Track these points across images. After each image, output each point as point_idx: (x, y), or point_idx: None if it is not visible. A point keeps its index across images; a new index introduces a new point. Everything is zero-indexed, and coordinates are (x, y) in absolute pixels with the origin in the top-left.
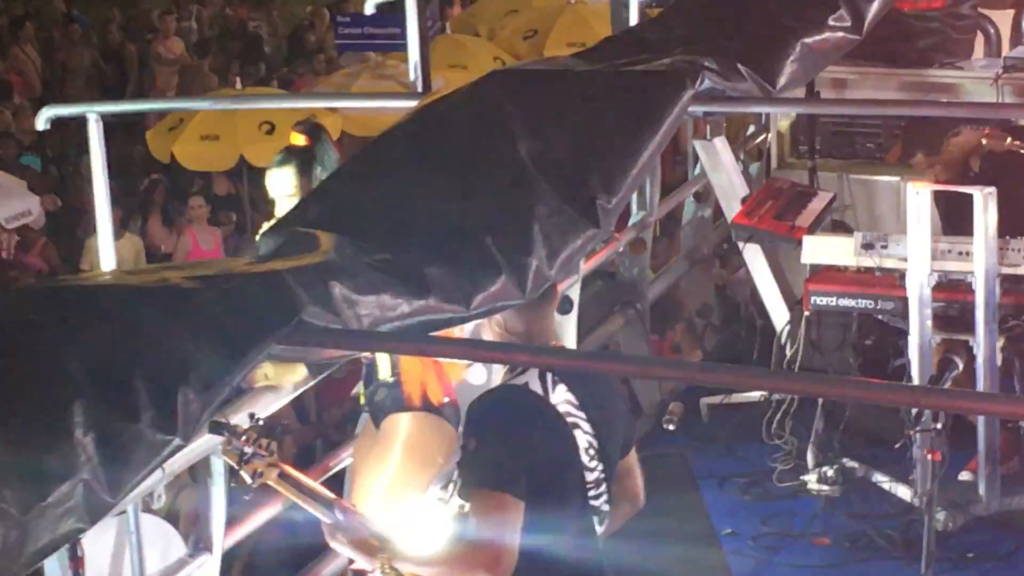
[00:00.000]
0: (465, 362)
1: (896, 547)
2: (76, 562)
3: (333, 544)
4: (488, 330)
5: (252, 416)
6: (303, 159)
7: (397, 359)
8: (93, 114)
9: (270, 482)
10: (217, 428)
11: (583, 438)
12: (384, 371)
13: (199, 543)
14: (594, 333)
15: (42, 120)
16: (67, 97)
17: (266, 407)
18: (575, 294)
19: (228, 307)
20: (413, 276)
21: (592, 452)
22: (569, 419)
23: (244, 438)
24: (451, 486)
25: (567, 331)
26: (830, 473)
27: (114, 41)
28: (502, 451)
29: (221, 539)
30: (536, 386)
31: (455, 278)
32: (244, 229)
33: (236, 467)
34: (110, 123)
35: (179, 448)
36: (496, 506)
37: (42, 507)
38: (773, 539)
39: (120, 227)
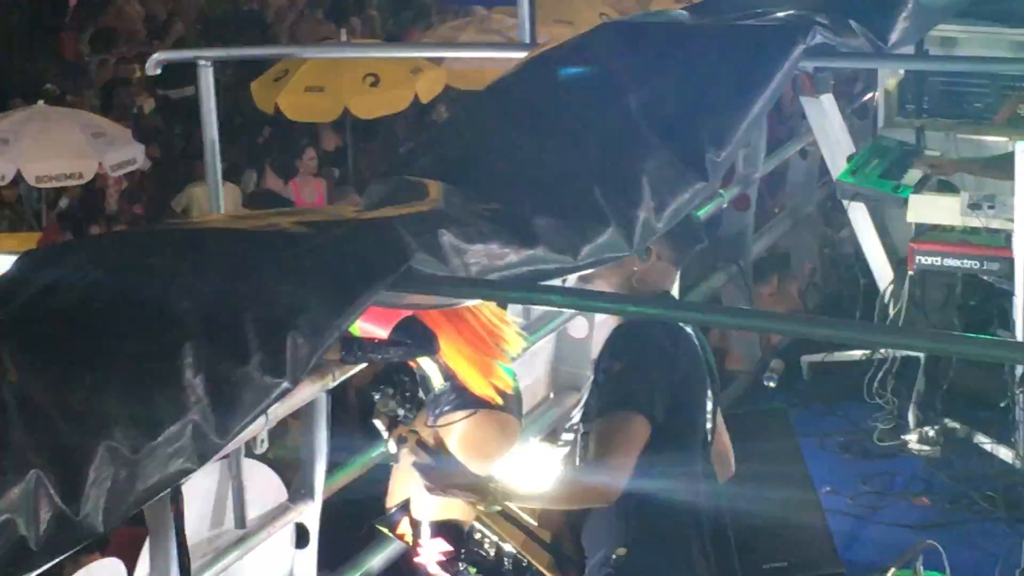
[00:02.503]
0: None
1: (997, 508)
2: (177, 504)
3: (444, 494)
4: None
5: (399, 378)
6: None
7: (445, 365)
8: (204, 60)
9: (407, 448)
10: (374, 387)
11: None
12: (436, 380)
13: (301, 489)
14: (696, 289)
15: (153, 65)
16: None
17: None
18: None
19: (337, 252)
20: (521, 226)
21: (709, 393)
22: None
23: (396, 399)
24: (566, 431)
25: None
26: (931, 433)
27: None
28: (645, 374)
29: (322, 486)
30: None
31: (563, 229)
32: (346, 181)
33: (386, 430)
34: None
35: (287, 391)
36: (630, 426)
37: (152, 447)
38: (873, 498)
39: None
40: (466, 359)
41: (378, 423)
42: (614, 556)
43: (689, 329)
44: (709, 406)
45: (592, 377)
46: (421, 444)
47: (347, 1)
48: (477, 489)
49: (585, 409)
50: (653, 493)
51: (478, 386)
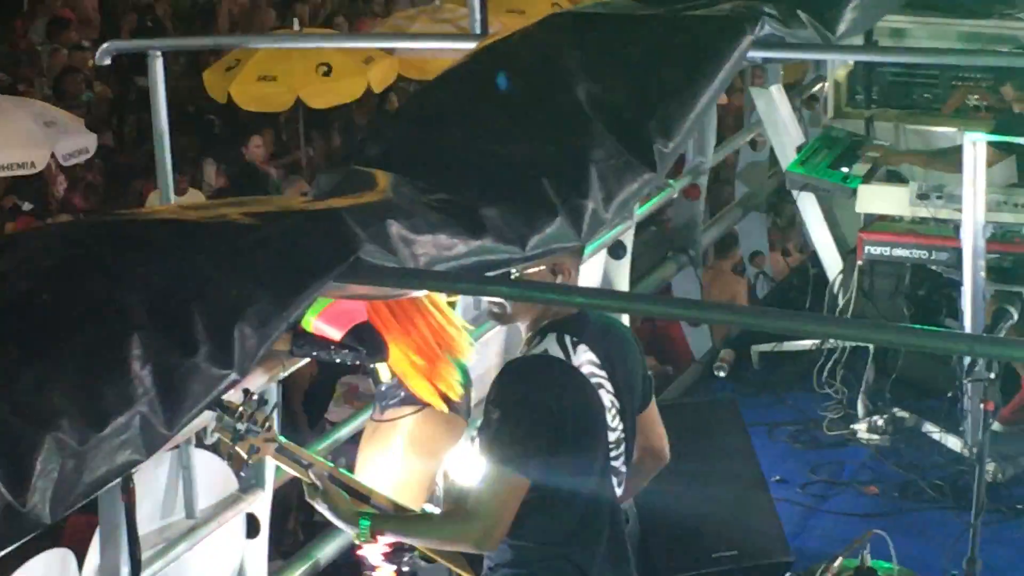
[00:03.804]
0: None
1: (945, 497)
2: (128, 494)
3: (316, 505)
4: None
5: (246, 392)
6: None
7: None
8: (155, 51)
9: (268, 456)
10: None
11: (606, 397)
12: (384, 374)
13: (251, 479)
14: (648, 279)
15: (103, 55)
16: (124, 36)
17: (254, 383)
18: (629, 239)
19: (285, 243)
20: (469, 216)
21: (614, 411)
22: (593, 380)
23: (238, 414)
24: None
25: (620, 276)
26: (880, 422)
27: None
28: (523, 428)
29: (273, 476)
30: (556, 351)
31: (511, 219)
32: (298, 169)
33: (230, 444)
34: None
35: (235, 383)
36: (501, 483)
37: (99, 438)
38: (822, 487)
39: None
40: (413, 365)
41: (221, 437)
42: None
43: (582, 355)
44: (613, 436)
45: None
46: (284, 451)
47: None
48: (348, 518)
49: (479, 431)
50: (539, 539)
51: (423, 392)
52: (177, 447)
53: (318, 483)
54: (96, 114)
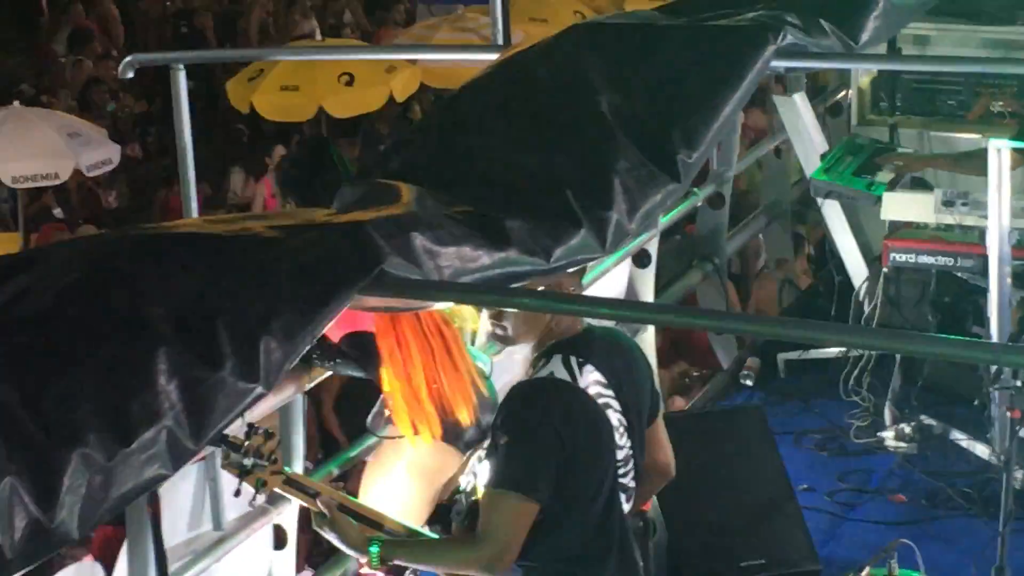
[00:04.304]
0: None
1: (973, 505)
2: (154, 506)
3: (324, 534)
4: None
5: (250, 426)
6: None
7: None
8: (177, 64)
9: (276, 489)
10: (213, 441)
11: (614, 417)
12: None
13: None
14: (672, 287)
15: (126, 69)
16: (148, 48)
17: (258, 414)
18: (653, 248)
19: (310, 256)
20: (493, 228)
21: (622, 429)
22: (600, 400)
23: (243, 449)
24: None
25: (645, 285)
26: (907, 430)
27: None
28: (531, 452)
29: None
30: (562, 373)
31: (535, 231)
32: None
33: (237, 479)
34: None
35: (261, 396)
36: (511, 508)
37: (126, 453)
38: (849, 495)
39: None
40: (400, 392)
41: (227, 473)
42: None
43: (588, 377)
44: (621, 454)
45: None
46: (291, 482)
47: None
48: (357, 545)
49: (487, 454)
50: (550, 560)
51: (401, 422)
52: (204, 459)
53: (326, 512)
54: (121, 125)
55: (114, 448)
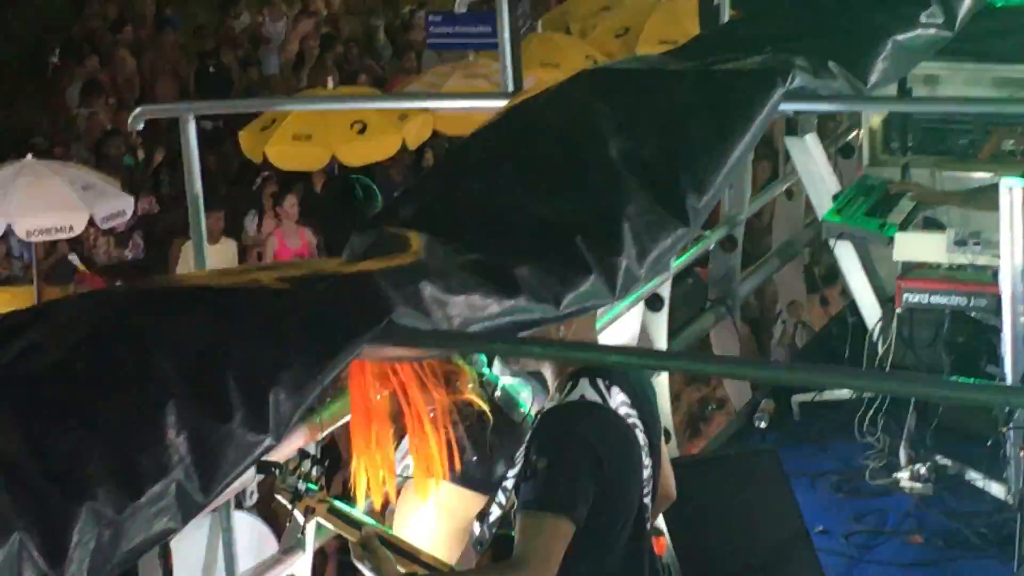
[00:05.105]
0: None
1: (990, 545)
2: (166, 559)
3: (361, 567)
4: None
5: (302, 451)
6: None
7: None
8: (187, 114)
9: (320, 518)
10: (266, 467)
11: (640, 436)
12: None
13: (291, 541)
14: (685, 331)
15: (136, 120)
16: (159, 100)
17: (291, 447)
18: (666, 292)
19: (318, 307)
20: (503, 276)
21: (646, 449)
22: (629, 420)
23: (297, 474)
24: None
25: (658, 329)
26: (923, 471)
27: (207, 45)
28: (568, 473)
29: (313, 537)
30: (593, 395)
31: (545, 278)
32: None
33: (289, 505)
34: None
35: (270, 448)
36: (550, 528)
37: (135, 507)
38: (866, 537)
39: (223, 233)
40: (354, 437)
41: (280, 498)
42: None
43: (616, 398)
44: (647, 473)
45: (523, 455)
46: (336, 511)
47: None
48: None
49: (516, 481)
50: None
51: (354, 465)
52: (216, 510)
53: (367, 544)
54: (138, 176)
55: (123, 501)
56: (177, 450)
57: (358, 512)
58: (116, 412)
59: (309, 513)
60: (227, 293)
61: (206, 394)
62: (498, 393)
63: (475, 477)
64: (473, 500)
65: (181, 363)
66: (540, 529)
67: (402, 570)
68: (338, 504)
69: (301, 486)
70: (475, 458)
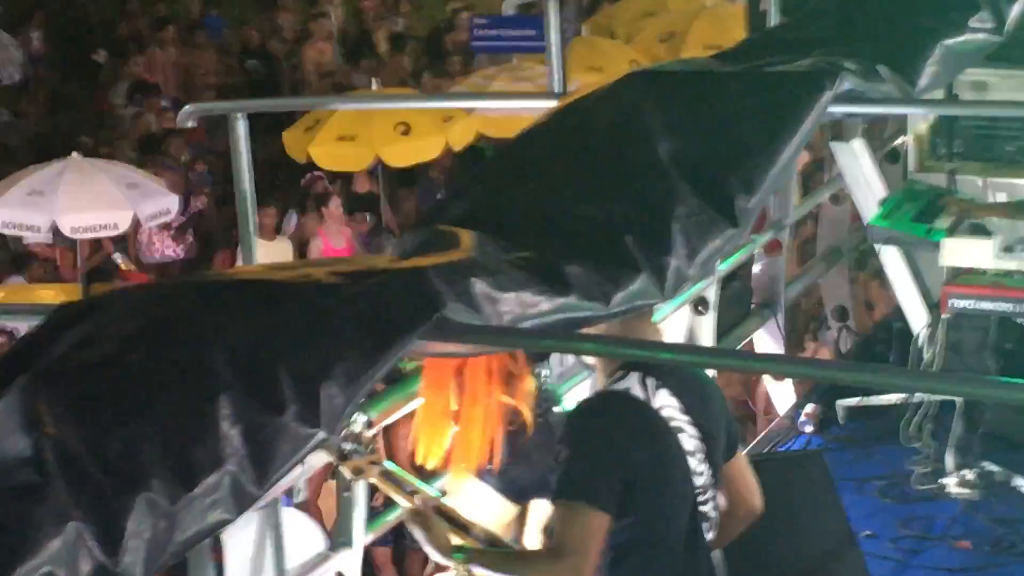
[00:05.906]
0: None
1: None
2: (217, 553)
3: (412, 531)
4: None
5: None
6: None
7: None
8: (237, 112)
9: (372, 479)
10: None
11: (689, 442)
12: None
13: (340, 537)
14: (731, 334)
15: (186, 118)
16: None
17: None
18: (712, 295)
19: (370, 302)
20: (553, 274)
21: (700, 456)
22: (672, 423)
23: (343, 434)
24: None
25: (704, 331)
26: (970, 476)
27: (253, 43)
28: (592, 461)
29: (362, 534)
30: (638, 391)
31: (595, 276)
32: (380, 230)
33: (335, 463)
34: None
35: (323, 441)
36: (579, 518)
37: (190, 498)
38: (913, 542)
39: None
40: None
41: (325, 453)
42: None
43: (662, 399)
44: (700, 481)
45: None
46: (389, 475)
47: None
48: (444, 549)
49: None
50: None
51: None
52: (265, 506)
53: (422, 509)
54: (193, 176)
55: (178, 493)
56: (231, 442)
57: (413, 478)
58: (171, 404)
59: (358, 473)
60: (280, 287)
61: (260, 387)
62: (555, 408)
63: (508, 482)
64: (497, 504)
65: (235, 356)
66: (568, 519)
67: (456, 541)
68: (391, 468)
69: (348, 446)
70: (512, 464)
